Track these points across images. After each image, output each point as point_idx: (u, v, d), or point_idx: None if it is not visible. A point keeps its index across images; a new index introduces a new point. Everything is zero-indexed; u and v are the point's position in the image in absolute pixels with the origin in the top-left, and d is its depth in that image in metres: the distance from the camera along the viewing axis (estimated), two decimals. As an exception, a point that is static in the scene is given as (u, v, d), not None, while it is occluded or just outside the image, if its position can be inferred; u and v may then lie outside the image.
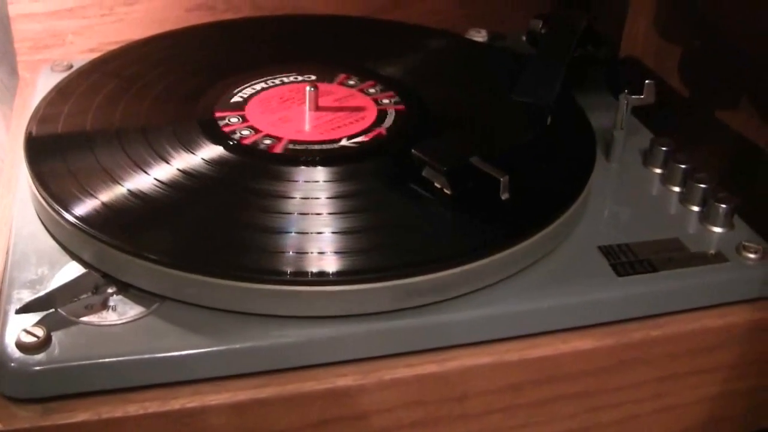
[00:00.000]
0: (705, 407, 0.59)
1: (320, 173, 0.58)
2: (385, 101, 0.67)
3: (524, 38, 0.81)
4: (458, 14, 0.91)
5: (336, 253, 0.52)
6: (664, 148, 0.66)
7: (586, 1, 0.74)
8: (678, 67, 0.80)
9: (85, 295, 0.51)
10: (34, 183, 0.57)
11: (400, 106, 0.66)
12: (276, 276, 0.50)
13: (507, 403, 0.54)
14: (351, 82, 0.70)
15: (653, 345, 0.55)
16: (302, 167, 0.58)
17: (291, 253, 0.52)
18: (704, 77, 0.77)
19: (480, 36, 0.83)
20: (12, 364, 0.47)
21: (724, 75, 0.74)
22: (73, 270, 0.53)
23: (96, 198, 0.55)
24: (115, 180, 0.56)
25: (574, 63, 0.71)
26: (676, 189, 0.64)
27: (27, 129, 0.62)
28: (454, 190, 0.56)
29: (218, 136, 0.61)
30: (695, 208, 0.62)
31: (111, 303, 0.51)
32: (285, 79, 0.70)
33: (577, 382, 0.55)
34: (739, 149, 0.71)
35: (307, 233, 0.53)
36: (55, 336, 0.48)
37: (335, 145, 0.61)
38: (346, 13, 0.86)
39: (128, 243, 0.51)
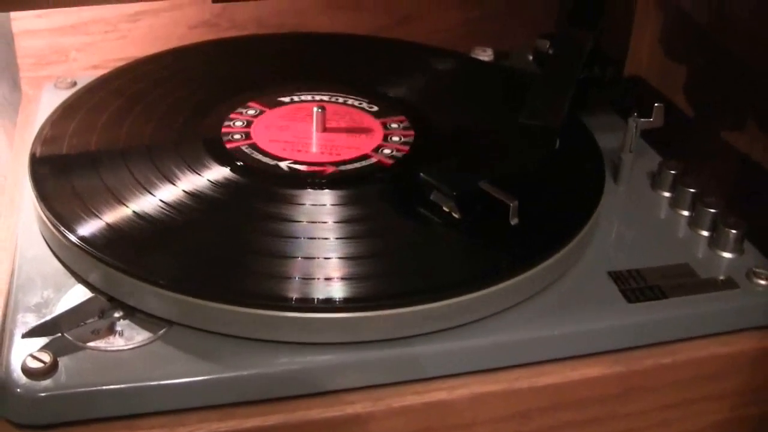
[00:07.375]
0: (711, 434, 0.59)
1: (326, 196, 0.58)
2: (392, 123, 0.67)
3: (530, 57, 0.81)
4: (460, 32, 0.90)
5: (343, 279, 0.51)
6: (672, 172, 0.65)
7: (594, 21, 0.73)
8: (683, 87, 0.79)
9: (91, 320, 0.50)
10: (39, 204, 0.56)
11: (407, 128, 0.66)
12: (284, 302, 0.49)
13: (513, 430, 0.53)
14: (358, 103, 0.70)
15: (662, 372, 0.55)
16: (309, 190, 0.58)
17: (298, 279, 0.51)
18: (709, 96, 0.77)
19: (486, 55, 0.83)
20: (18, 390, 0.46)
21: (728, 94, 0.73)
22: (78, 293, 0.52)
23: (102, 220, 0.54)
24: (122, 202, 0.56)
25: (580, 83, 0.71)
26: (685, 213, 0.63)
27: (32, 149, 0.62)
28: (463, 215, 0.56)
29: (224, 157, 0.61)
30: (704, 233, 0.61)
31: (118, 328, 0.50)
32: (293, 98, 0.69)
33: (585, 409, 0.54)
34: (745, 170, 0.71)
35: (314, 258, 0.53)
36: (62, 361, 0.48)
37: (343, 167, 0.61)
38: (350, 31, 0.85)
39: (135, 266, 0.51)
